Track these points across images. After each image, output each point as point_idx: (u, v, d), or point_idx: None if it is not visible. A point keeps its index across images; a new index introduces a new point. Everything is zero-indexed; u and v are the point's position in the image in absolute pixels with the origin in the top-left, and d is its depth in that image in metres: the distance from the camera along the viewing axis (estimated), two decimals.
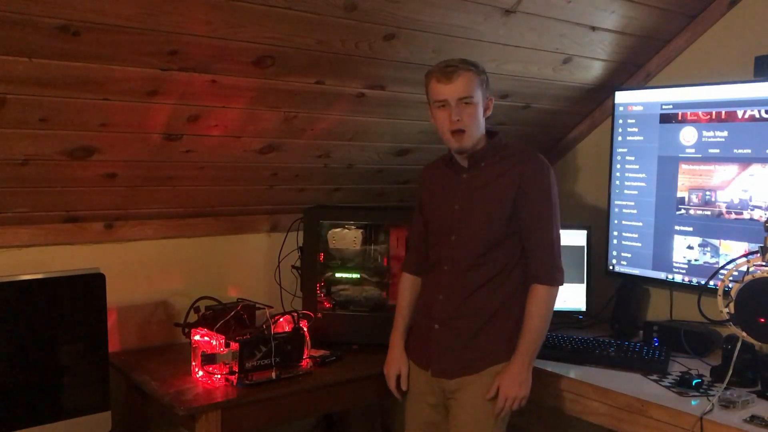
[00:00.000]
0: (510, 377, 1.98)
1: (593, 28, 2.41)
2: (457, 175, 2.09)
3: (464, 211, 2.06)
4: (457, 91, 1.95)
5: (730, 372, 1.95)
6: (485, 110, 2.02)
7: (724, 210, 2.31)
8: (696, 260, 2.38)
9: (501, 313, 2.03)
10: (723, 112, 2.31)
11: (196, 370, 2.12)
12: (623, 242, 2.60)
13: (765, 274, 1.79)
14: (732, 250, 2.27)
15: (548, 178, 2.04)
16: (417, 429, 2.14)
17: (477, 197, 2.05)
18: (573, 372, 2.18)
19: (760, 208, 2.21)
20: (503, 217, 2.01)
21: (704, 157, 2.35)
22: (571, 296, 2.60)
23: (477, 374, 2.00)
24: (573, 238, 2.61)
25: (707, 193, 2.35)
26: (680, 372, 2.15)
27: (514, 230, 2.02)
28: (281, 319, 2.22)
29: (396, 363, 2.15)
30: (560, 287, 2.04)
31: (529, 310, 2.01)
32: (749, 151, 2.24)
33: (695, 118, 2.38)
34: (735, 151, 2.28)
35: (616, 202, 2.61)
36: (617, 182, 2.60)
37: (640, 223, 2.54)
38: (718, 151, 2.32)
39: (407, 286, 2.23)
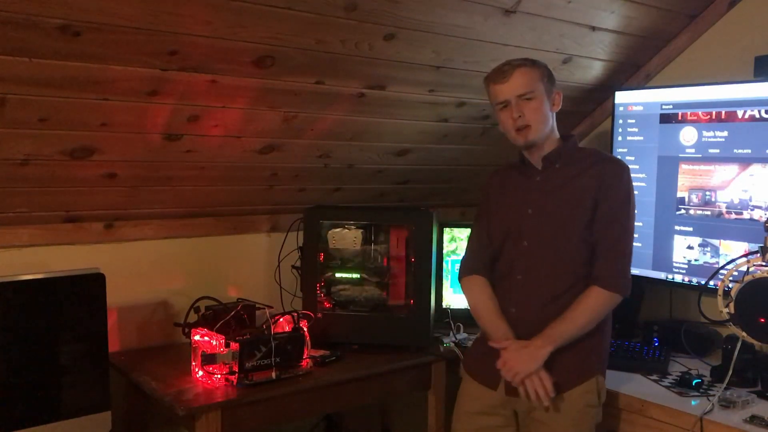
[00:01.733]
0: (520, 351, 1.85)
1: (593, 28, 2.41)
2: (529, 178, 2.00)
3: (538, 215, 1.95)
4: (515, 88, 1.90)
5: (730, 372, 1.95)
6: (552, 105, 1.95)
7: (724, 210, 2.31)
8: (696, 260, 2.38)
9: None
10: (723, 112, 2.31)
11: (196, 370, 2.12)
12: None
13: (765, 274, 1.79)
14: (732, 250, 2.27)
15: (628, 181, 1.95)
16: None
17: (552, 200, 1.94)
18: None
19: (760, 208, 2.21)
20: (582, 220, 1.90)
21: (704, 157, 2.35)
22: None
23: (561, 395, 1.86)
24: None
25: (707, 193, 2.35)
26: (680, 372, 2.15)
27: (591, 236, 1.92)
28: (281, 319, 2.22)
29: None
30: (621, 297, 1.91)
31: (578, 303, 1.88)
32: (749, 151, 2.24)
33: (695, 118, 2.38)
34: (735, 151, 2.28)
35: None
36: None
37: (640, 223, 2.53)
38: (718, 151, 2.32)
39: (483, 290, 2.02)
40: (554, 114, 1.98)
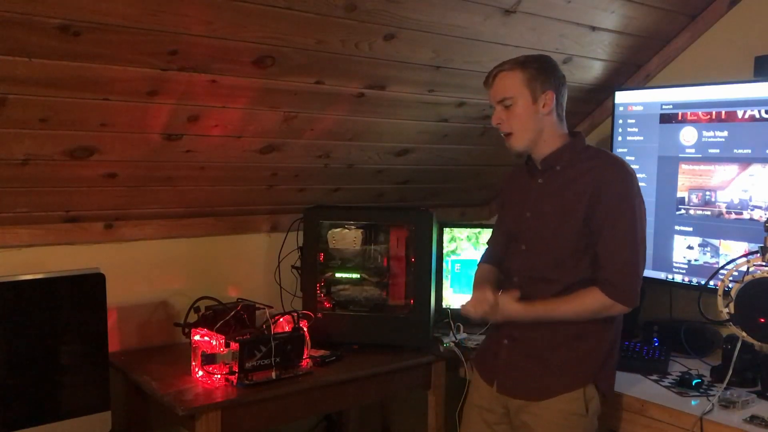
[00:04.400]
0: (509, 305, 1.85)
1: (593, 28, 2.41)
2: (532, 180, 1.96)
3: (535, 218, 1.92)
4: (496, 93, 1.88)
5: (730, 372, 1.95)
6: (543, 106, 1.86)
7: (724, 210, 2.31)
8: (696, 260, 2.38)
9: (577, 333, 1.86)
10: (723, 112, 2.31)
11: (196, 370, 2.12)
12: None
13: (765, 274, 1.79)
14: (732, 250, 2.27)
15: (628, 186, 1.85)
16: None
17: (549, 204, 1.90)
18: None
19: (760, 208, 2.21)
20: (576, 225, 1.84)
21: (704, 157, 2.35)
22: None
23: (546, 401, 1.85)
24: None
25: (707, 193, 2.34)
26: (680, 372, 2.15)
27: (590, 242, 1.85)
28: (281, 319, 2.22)
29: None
30: (622, 308, 1.83)
31: (573, 294, 1.84)
32: (749, 151, 2.24)
33: (695, 118, 2.38)
34: (735, 151, 2.28)
35: None
36: None
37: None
38: (718, 151, 2.32)
39: (483, 268, 2.10)
40: (556, 114, 1.89)
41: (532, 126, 1.87)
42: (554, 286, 1.88)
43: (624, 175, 1.87)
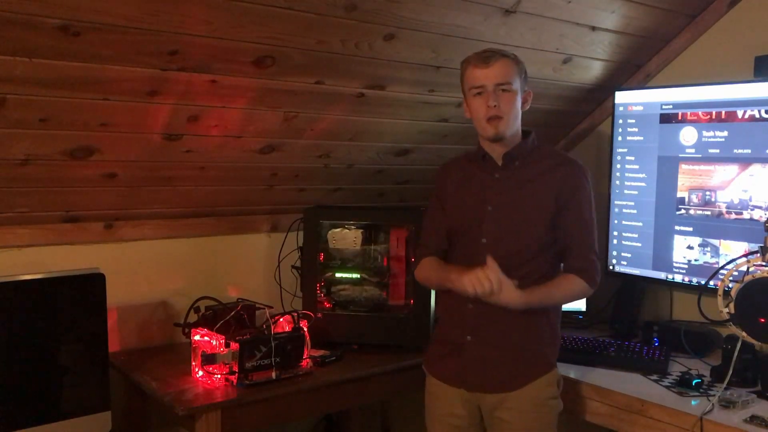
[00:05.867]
0: (511, 291, 1.83)
1: (593, 28, 2.41)
2: (489, 174, 1.98)
3: (498, 212, 1.94)
4: (496, 76, 1.87)
5: (730, 372, 1.95)
6: (523, 103, 1.94)
7: (724, 210, 2.31)
8: (696, 260, 2.38)
9: (540, 323, 1.94)
10: (723, 112, 2.31)
11: (196, 370, 2.12)
12: (623, 242, 2.60)
13: (765, 274, 1.79)
14: (732, 250, 2.27)
15: (588, 184, 1.99)
16: None
17: (512, 198, 1.95)
18: (573, 372, 2.18)
19: (760, 208, 2.21)
20: (543, 221, 1.92)
21: (704, 157, 2.35)
22: None
23: (520, 390, 1.90)
24: None
25: (707, 193, 2.34)
26: (680, 372, 2.15)
27: (553, 237, 1.93)
28: (281, 319, 2.22)
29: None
30: (591, 290, 1.99)
31: (556, 282, 1.95)
32: (749, 151, 2.24)
33: (695, 118, 2.38)
34: (735, 151, 2.28)
35: (616, 202, 2.61)
36: (617, 182, 2.60)
37: (640, 223, 2.54)
38: (718, 151, 2.32)
39: (431, 260, 2.04)
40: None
41: (518, 117, 1.94)
42: (517, 277, 1.86)
43: (586, 174, 1.99)
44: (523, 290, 1.87)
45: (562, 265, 2.01)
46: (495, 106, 1.87)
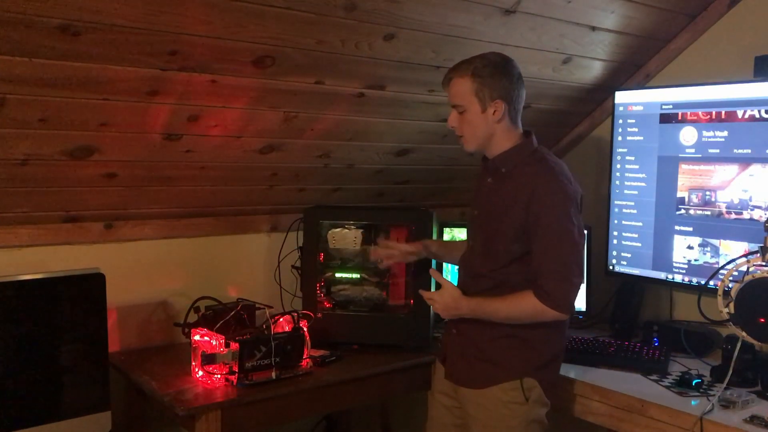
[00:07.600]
0: (455, 298, 1.95)
1: (593, 28, 2.41)
2: (483, 179, 2.05)
3: (480, 217, 2.02)
4: (451, 97, 1.96)
5: (730, 372, 1.95)
6: (493, 113, 1.90)
7: (724, 210, 2.31)
8: (696, 260, 2.38)
9: (520, 331, 1.92)
10: (723, 112, 2.31)
11: (196, 370, 2.12)
12: (623, 242, 2.60)
13: (765, 274, 1.79)
14: (732, 250, 2.27)
15: (559, 196, 1.87)
16: (433, 428, 2.16)
17: (492, 204, 1.98)
18: (573, 372, 2.18)
19: (760, 208, 2.21)
20: (510, 228, 1.90)
21: (704, 157, 2.35)
22: None
23: (484, 389, 1.94)
24: None
25: (707, 193, 2.35)
26: (680, 372, 2.15)
27: (527, 249, 1.90)
28: (281, 319, 2.22)
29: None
30: (556, 314, 1.85)
31: (510, 296, 1.89)
32: (749, 151, 2.24)
33: (695, 118, 2.38)
34: (735, 151, 2.28)
35: (616, 202, 2.61)
36: (617, 182, 2.60)
37: (640, 223, 2.54)
38: (718, 151, 2.32)
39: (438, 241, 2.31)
40: (508, 118, 1.92)
41: (482, 132, 1.94)
42: (492, 282, 1.95)
43: (555, 185, 1.88)
44: (478, 298, 1.93)
45: None
46: (453, 126, 1.96)
